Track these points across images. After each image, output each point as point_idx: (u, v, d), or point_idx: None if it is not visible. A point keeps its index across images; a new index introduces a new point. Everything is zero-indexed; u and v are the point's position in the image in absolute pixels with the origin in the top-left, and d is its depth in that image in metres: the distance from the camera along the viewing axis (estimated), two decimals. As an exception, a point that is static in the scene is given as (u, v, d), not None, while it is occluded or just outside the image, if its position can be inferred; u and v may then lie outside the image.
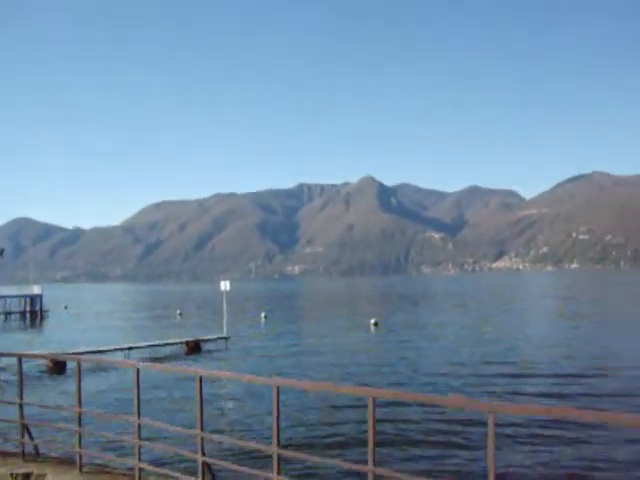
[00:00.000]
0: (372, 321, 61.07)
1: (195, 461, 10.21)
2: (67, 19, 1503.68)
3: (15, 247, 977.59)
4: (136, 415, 10.75)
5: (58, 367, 36.31)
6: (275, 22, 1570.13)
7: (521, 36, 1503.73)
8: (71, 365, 36.73)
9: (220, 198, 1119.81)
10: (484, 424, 7.02)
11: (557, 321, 62.82)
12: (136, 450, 10.91)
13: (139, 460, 10.86)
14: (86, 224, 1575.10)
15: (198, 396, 9.86)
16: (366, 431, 7.74)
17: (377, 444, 7.53)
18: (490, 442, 6.69)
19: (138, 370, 10.89)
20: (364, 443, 8.09)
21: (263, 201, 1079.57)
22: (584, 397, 25.75)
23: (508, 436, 19.37)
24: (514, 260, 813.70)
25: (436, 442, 19.72)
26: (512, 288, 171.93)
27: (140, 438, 10.89)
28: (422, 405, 22.85)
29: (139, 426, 10.81)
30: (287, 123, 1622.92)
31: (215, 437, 12.37)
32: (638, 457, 18.10)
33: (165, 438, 17.10)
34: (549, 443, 19.10)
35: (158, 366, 24.26)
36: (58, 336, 58.91)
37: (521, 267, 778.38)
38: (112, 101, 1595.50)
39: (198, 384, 9.83)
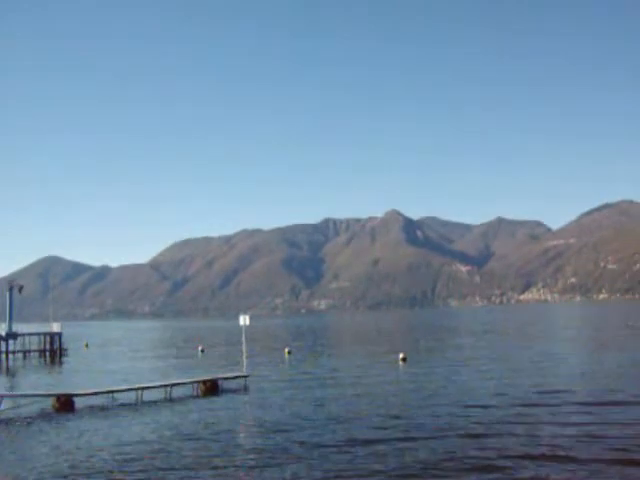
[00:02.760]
0: (400, 356, 58.44)
1: None
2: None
3: (44, 285, 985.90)
4: None
5: (66, 408, 34.25)
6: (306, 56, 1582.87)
7: (543, 66, 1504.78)
8: (80, 406, 34.85)
9: (246, 234, 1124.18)
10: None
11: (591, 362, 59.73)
12: None
13: None
14: (113, 262, 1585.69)
15: None
16: None
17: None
18: None
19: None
20: None
21: (288, 236, 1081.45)
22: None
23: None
24: (542, 291, 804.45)
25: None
26: (543, 320, 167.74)
27: None
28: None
29: None
30: (312, 158, 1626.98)
31: None
32: None
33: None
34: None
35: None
36: (73, 375, 57.01)
37: (549, 298, 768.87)
38: (137, 141, 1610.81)
39: None
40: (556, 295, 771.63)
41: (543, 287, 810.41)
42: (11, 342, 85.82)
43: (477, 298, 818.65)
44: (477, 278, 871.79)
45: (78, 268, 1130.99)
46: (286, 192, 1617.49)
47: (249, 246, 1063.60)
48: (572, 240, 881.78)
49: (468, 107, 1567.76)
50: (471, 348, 74.04)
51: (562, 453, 21.63)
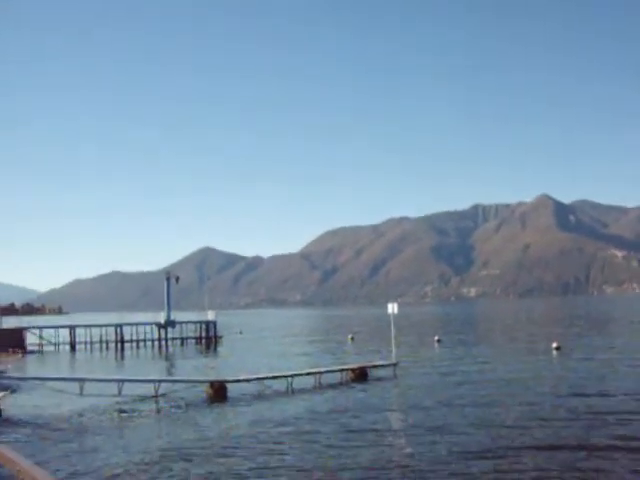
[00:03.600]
0: (554, 345, 56.69)
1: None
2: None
3: (200, 275, 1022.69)
4: None
5: (219, 394, 35.26)
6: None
7: None
8: (233, 392, 35.73)
9: (394, 222, 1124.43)
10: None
11: None
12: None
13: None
14: (265, 252, 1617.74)
15: None
16: None
17: None
18: None
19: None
20: None
21: (436, 224, 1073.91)
22: None
23: None
24: None
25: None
26: None
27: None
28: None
29: None
30: (459, 144, 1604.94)
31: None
32: None
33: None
34: None
35: None
36: (227, 362, 58.61)
37: None
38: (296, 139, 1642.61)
39: None
40: None
41: None
42: (170, 330, 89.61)
43: (634, 285, 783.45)
44: (634, 263, 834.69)
45: (232, 258, 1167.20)
46: (433, 179, 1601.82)
47: (397, 234, 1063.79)
48: None
49: (619, 81, 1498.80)
50: (628, 338, 70.99)
51: None
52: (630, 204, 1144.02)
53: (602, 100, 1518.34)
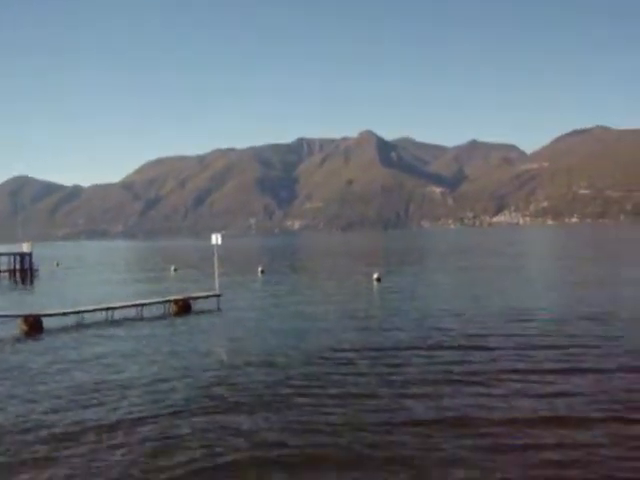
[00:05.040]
0: (375, 276, 58.10)
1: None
2: None
3: (14, 205, 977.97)
4: None
5: (34, 328, 33.61)
6: None
7: None
8: (49, 326, 34.23)
9: (219, 153, 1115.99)
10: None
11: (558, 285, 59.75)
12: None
13: None
14: (85, 182, 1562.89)
15: None
16: None
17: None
18: None
19: None
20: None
21: (262, 156, 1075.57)
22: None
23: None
24: (514, 214, 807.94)
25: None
26: (516, 243, 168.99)
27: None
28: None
29: None
30: (287, 76, 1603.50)
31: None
32: None
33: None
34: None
35: None
36: (44, 296, 56.23)
37: (521, 221, 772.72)
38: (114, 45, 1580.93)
39: None
40: (527, 218, 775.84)
41: (515, 210, 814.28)
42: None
43: (450, 220, 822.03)
44: (450, 200, 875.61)
45: (49, 188, 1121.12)
46: (260, 110, 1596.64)
47: (223, 165, 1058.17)
48: (545, 164, 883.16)
49: (446, 29, 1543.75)
50: (441, 269, 74.10)
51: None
52: (448, 144, 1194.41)
53: (424, 45, 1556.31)
